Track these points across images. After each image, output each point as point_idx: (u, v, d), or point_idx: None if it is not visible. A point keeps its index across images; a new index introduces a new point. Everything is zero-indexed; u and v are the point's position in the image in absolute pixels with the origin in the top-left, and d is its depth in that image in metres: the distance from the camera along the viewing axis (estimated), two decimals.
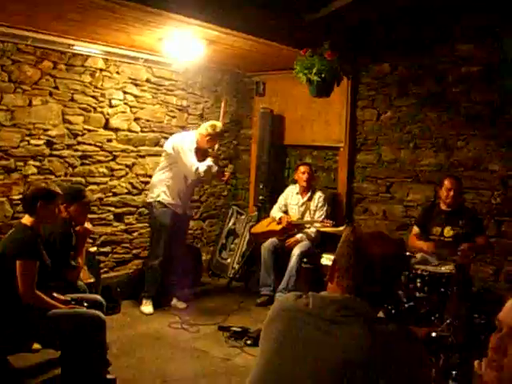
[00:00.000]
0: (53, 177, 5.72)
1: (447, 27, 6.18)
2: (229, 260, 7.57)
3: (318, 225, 6.41)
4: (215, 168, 5.90)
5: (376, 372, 1.60)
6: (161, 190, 5.97)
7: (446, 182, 5.47)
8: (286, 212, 6.74)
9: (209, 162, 5.87)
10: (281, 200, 6.85)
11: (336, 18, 5.73)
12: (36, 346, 4.31)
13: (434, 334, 4.16)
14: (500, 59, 5.84)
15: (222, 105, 6.45)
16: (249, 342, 5.04)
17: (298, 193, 6.72)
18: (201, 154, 5.95)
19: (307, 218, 6.57)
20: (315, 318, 1.73)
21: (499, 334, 1.45)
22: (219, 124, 6.06)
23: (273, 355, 1.77)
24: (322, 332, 1.69)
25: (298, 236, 6.45)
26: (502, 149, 5.93)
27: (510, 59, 5.76)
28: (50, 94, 5.70)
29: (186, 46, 5.52)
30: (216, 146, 6.15)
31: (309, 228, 6.52)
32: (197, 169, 5.76)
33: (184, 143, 5.90)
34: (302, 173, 6.62)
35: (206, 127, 5.98)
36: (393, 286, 1.85)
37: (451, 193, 5.42)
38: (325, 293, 1.86)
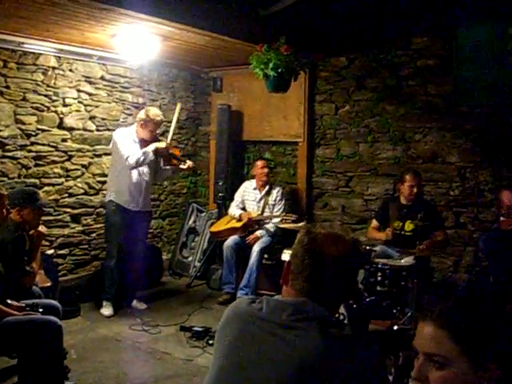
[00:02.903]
0: (6, 179, 5.57)
1: (402, 21, 6.21)
2: (190, 258, 7.51)
3: (278, 219, 6.39)
4: (150, 155, 5.66)
5: (330, 377, 1.57)
6: (112, 188, 5.89)
7: (408, 178, 5.48)
8: (243, 209, 6.71)
9: (150, 146, 5.69)
10: (238, 197, 6.81)
11: (291, 12, 5.69)
12: None
13: (395, 327, 4.17)
14: (455, 51, 5.89)
15: (177, 108, 6.26)
16: (211, 341, 4.97)
17: (255, 188, 6.69)
18: (146, 144, 5.76)
19: (267, 212, 6.54)
20: (269, 323, 1.69)
21: (418, 363, 1.45)
22: (154, 109, 5.86)
23: (226, 362, 1.73)
24: (276, 337, 1.66)
25: (258, 233, 6.41)
26: (458, 141, 6.00)
27: (465, 51, 5.83)
28: (1, 94, 5.54)
29: (139, 42, 5.42)
30: (169, 136, 6.01)
31: (268, 223, 6.49)
32: (126, 158, 5.61)
33: (120, 135, 5.78)
34: (260, 168, 6.59)
35: (140, 113, 5.84)
36: (349, 287, 1.82)
37: (414, 189, 5.45)
38: (278, 297, 1.83)
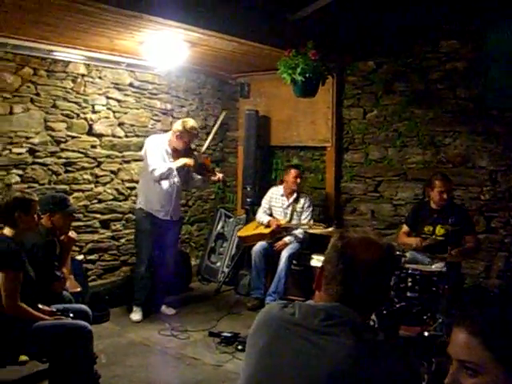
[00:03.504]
0: (36, 185, 5.64)
1: (430, 24, 6.15)
2: (218, 264, 7.51)
3: (306, 227, 6.35)
4: (174, 173, 5.70)
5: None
6: (141, 196, 5.94)
7: (438, 183, 5.36)
8: (270, 215, 6.69)
9: (178, 162, 5.72)
10: (265, 203, 6.78)
11: (319, 17, 5.67)
12: (23, 357, 4.23)
13: (426, 334, 4.11)
14: (484, 54, 5.82)
15: (221, 116, 6.28)
16: (240, 347, 4.98)
17: (282, 195, 6.66)
18: (178, 154, 5.80)
19: (295, 219, 6.51)
20: (302, 329, 1.67)
21: (451, 370, 1.44)
22: (191, 122, 5.83)
23: (257, 367, 1.71)
24: (309, 343, 1.63)
25: (286, 239, 6.39)
26: (489, 144, 5.91)
27: (495, 53, 5.75)
28: (32, 101, 5.61)
29: (167, 48, 5.45)
30: (205, 146, 6.03)
31: (296, 228, 6.46)
32: (153, 170, 5.64)
33: (151, 143, 5.79)
34: (293, 177, 6.51)
35: (177, 124, 5.84)
36: (382, 292, 1.79)
37: (444, 195, 5.35)
38: (311, 301, 1.81)
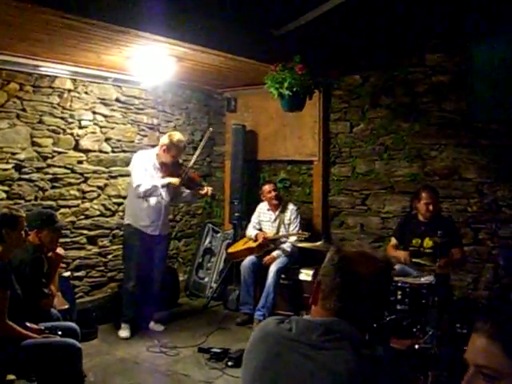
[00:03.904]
0: (23, 201, 5.58)
1: (416, 38, 6.20)
2: (206, 279, 7.47)
3: (294, 238, 6.36)
4: (159, 191, 5.70)
5: None
6: (129, 211, 5.91)
7: (424, 195, 5.39)
8: (260, 229, 6.68)
9: (163, 180, 5.72)
10: (254, 218, 6.80)
11: (305, 31, 5.69)
12: (10, 376, 4.18)
13: (416, 347, 4.11)
14: (469, 67, 5.87)
15: (207, 133, 6.30)
16: (230, 363, 4.94)
17: (268, 209, 6.67)
18: (166, 169, 5.80)
19: (282, 232, 6.51)
20: (300, 344, 1.64)
21: (468, 375, 1.42)
22: (177, 135, 5.84)
23: None
24: (308, 358, 1.61)
25: (275, 253, 6.38)
26: (475, 157, 5.95)
27: (479, 67, 5.80)
28: (18, 117, 5.57)
29: (154, 63, 5.45)
30: (192, 161, 6.03)
31: (285, 242, 6.46)
32: (137, 186, 5.62)
33: (138, 159, 5.79)
34: (268, 192, 6.59)
35: (164, 138, 5.85)
36: (380, 306, 1.78)
37: (430, 207, 5.37)
38: (308, 316, 1.79)
